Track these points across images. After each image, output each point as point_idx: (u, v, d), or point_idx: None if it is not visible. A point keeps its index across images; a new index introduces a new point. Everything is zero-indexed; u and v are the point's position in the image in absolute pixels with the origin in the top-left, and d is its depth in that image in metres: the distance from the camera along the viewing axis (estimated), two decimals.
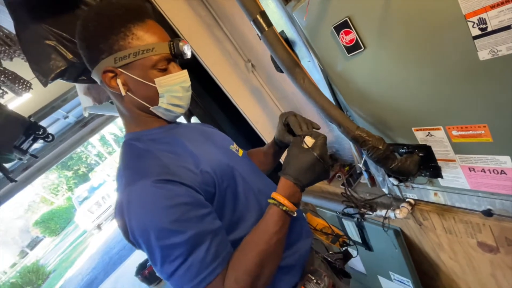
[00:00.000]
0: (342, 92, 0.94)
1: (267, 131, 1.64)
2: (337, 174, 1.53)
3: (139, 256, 5.17)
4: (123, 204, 0.59)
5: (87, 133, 3.78)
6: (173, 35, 1.36)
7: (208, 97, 1.57)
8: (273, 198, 0.65)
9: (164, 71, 0.68)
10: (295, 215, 0.65)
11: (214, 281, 0.56)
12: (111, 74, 0.66)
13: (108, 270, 6.47)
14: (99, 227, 10.40)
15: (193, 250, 0.56)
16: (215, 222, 0.61)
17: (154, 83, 0.66)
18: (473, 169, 0.80)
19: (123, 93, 0.66)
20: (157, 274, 0.59)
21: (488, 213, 0.86)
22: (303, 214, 1.01)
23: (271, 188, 0.81)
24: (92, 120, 3.47)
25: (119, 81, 0.66)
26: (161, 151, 0.65)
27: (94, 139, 17.48)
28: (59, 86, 2.47)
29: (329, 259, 0.88)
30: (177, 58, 0.70)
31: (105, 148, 19.04)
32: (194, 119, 1.76)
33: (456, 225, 1.01)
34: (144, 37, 0.65)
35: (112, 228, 9.40)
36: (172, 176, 0.59)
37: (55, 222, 14.61)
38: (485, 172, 0.78)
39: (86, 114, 1.62)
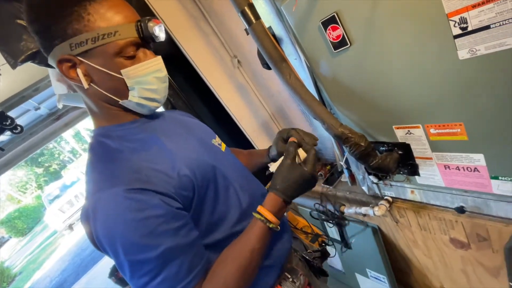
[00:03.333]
0: (327, 90, 0.95)
1: (251, 127, 1.63)
2: (319, 173, 1.55)
3: None
4: (90, 213, 0.53)
5: (60, 127, 3.54)
6: None
7: (191, 90, 1.53)
8: (259, 213, 0.62)
9: (132, 58, 0.57)
10: (278, 229, 0.62)
11: None
12: (68, 64, 0.55)
13: (80, 272, 6.17)
14: (70, 227, 9.90)
15: (165, 265, 0.52)
16: (190, 234, 0.57)
17: (121, 74, 0.57)
18: (448, 167, 0.83)
19: (85, 85, 0.57)
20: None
21: (460, 210, 0.90)
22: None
23: (253, 183, 0.80)
24: (66, 113, 3.26)
25: (79, 71, 0.56)
26: (133, 152, 0.58)
27: (68, 135, 16.66)
28: (30, 74, 2.31)
29: (307, 257, 0.88)
30: (148, 42, 0.59)
31: (80, 145, 18.14)
32: None
33: (430, 222, 1.05)
34: (105, 18, 0.54)
35: None
36: (145, 184, 0.53)
37: (22, 221, 13.77)
38: (459, 169, 0.81)
39: (60, 106, 1.50)
